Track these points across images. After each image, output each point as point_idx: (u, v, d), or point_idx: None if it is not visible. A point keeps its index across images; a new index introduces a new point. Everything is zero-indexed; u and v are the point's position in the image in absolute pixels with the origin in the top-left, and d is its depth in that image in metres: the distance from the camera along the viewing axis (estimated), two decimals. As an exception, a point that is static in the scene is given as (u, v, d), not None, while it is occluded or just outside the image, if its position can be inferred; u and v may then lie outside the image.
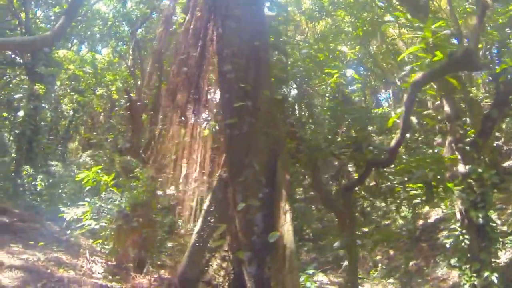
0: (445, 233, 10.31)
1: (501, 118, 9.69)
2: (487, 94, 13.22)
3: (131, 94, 15.34)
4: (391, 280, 11.68)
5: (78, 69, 19.49)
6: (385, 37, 18.88)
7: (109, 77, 19.62)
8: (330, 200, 9.30)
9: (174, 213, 8.87)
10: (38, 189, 13.31)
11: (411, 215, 12.95)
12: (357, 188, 9.16)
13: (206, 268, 5.81)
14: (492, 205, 8.37)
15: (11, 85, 20.20)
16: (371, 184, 11.77)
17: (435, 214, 13.22)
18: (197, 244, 6.21)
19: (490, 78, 11.01)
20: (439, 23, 5.68)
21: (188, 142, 5.92)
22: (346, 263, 9.91)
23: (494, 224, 8.11)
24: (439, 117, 9.61)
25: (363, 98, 22.85)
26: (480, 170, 7.79)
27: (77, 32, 20.08)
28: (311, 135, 7.89)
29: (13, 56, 21.25)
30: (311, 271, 5.68)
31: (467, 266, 7.69)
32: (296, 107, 9.17)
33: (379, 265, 12.68)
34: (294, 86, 9.38)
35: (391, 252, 13.17)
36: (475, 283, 7.49)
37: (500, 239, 8.55)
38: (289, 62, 8.52)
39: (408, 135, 10.22)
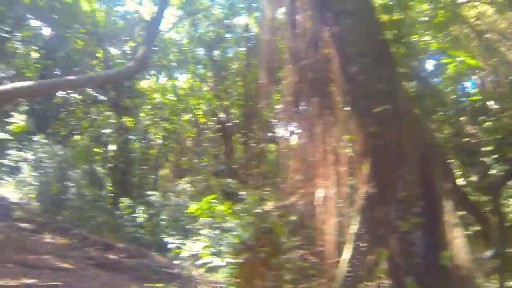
0: None
1: None
2: None
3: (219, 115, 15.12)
4: None
5: (162, 98, 19.85)
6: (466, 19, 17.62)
7: (192, 101, 19.76)
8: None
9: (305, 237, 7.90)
10: (138, 221, 13.12)
11: None
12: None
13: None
14: None
15: (98, 122, 20.95)
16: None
17: None
18: (349, 274, 5.21)
19: None
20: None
21: (319, 157, 5.04)
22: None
23: None
24: None
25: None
26: None
27: (154, 62, 20.35)
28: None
29: (95, 94, 22.17)
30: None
31: None
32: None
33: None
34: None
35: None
36: None
37: None
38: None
39: None
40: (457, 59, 7.23)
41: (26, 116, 16.49)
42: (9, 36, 19.88)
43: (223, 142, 16.85)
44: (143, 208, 13.40)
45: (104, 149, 18.06)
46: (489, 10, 13.73)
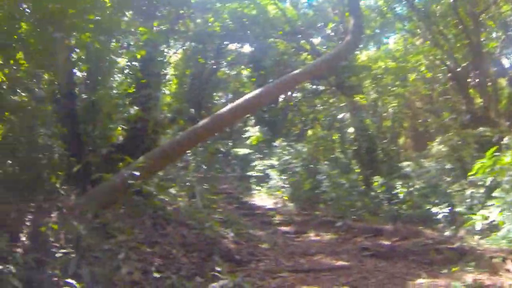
0: None
1: None
2: None
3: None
4: None
5: (382, 66, 18.64)
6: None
7: (412, 60, 17.98)
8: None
9: None
10: (397, 197, 11.71)
11: None
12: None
13: None
14: None
15: (328, 110, 20.75)
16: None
17: None
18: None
19: None
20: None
21: None
22: None
23: None
24: None
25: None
26: None
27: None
28: None
29: (314, 87, 22.02)
30: None
31: None
32: None
33: None
34: None
35: None
36: None
37: None
38: None
39: None
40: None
41: (258, 127, 17.30)
42: (215, 66, 21.85)
43: (459, 90, 14.32)
44: (400, 183, 12.04)
45: (339, 134, 17.55)
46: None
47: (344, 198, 11.52)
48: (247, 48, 22.08)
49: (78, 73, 9.65)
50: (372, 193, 12.27)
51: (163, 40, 11.85)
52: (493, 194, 6.94)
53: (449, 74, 16.36)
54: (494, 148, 6.81)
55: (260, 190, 14.94)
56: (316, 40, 20.75)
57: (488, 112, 14.17)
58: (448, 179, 12.00)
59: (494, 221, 6.63)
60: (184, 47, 21.68)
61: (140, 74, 10.09)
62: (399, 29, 19.58)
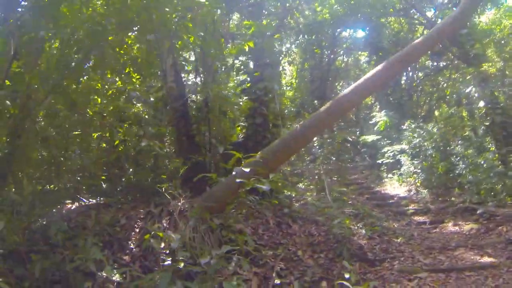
0: None
1: None
2: None
3: None
4: None
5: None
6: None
7: None
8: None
9: None
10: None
11: None
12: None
13: None
14: None
15: (456, 84, 19.06)
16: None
17: None
18: None
19: None
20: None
21: None
22: None
23: None
24: None
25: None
26: None
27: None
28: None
29: (434, 64, 20.45)
30: None
31: None
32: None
33: None
34: None
35: None
36: None
37: None
38: None
39: None
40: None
41: (384, 111, 16.69)
42: (332, 56, 21.34)
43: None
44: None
45: (468, 110, 15.96)
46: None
47: (483, 181, 10.46)
48: (360, 33, 21.41)
49: (185, 75, 9.79)
50: (510, 173, 10.92)
51: (271, 30, 11.17)
52: None
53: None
54: None
55: (391, 177, 14.49)
56: (429, 13, 19.23)
57: None
58: None
59: None
60: (298, 41, 21.84)
61: (251, 68, 9.89)
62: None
